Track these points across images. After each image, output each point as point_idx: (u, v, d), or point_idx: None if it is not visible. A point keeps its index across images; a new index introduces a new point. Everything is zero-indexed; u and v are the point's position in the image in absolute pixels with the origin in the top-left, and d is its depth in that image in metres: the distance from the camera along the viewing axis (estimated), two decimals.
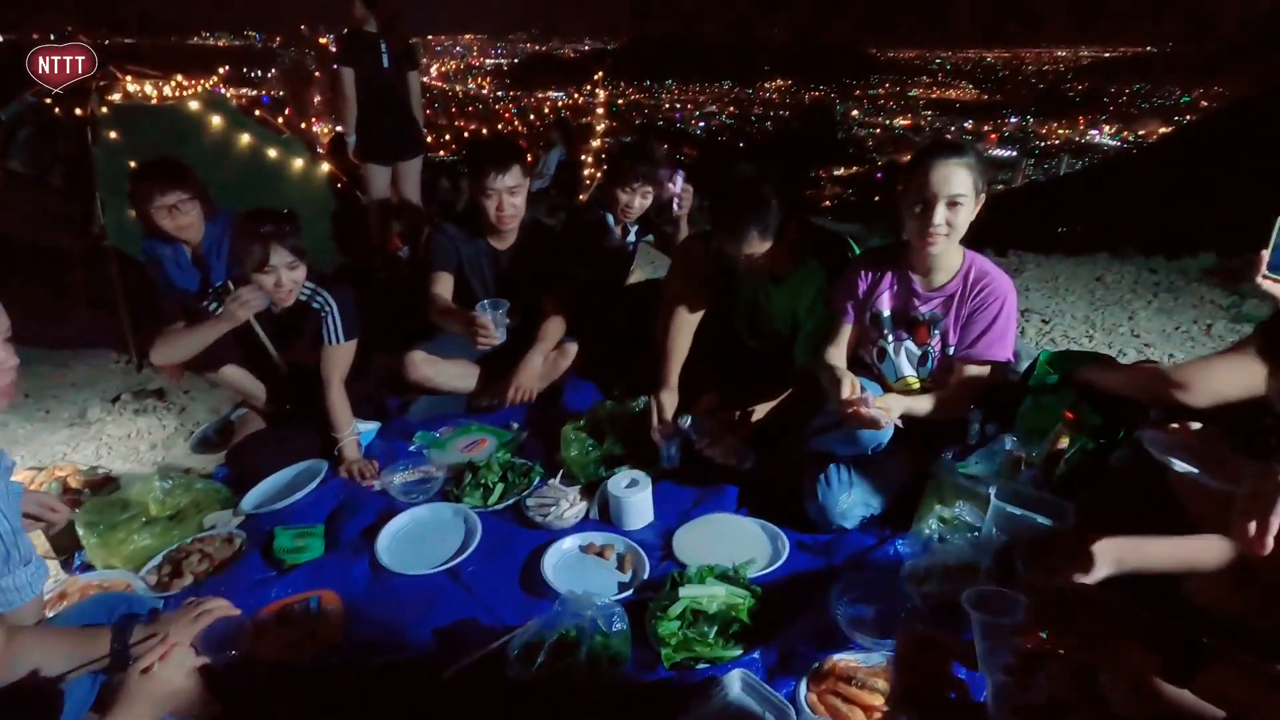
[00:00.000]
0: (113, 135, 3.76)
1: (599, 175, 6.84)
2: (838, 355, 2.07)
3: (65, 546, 2.05)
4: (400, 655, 1.63)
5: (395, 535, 2.00)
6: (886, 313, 2.02)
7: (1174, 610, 1.32)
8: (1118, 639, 0.97)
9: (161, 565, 1.92)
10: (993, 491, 1.75)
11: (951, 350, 1.96)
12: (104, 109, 3.84)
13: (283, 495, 2.19)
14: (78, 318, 3.75)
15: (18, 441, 2.82)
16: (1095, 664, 1.03)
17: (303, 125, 7.63)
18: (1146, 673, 0.95)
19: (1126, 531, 1.61)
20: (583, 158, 6.77)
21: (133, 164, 3.71)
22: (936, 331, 1.97)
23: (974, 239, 1.93)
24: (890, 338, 2.03)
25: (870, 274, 2.04)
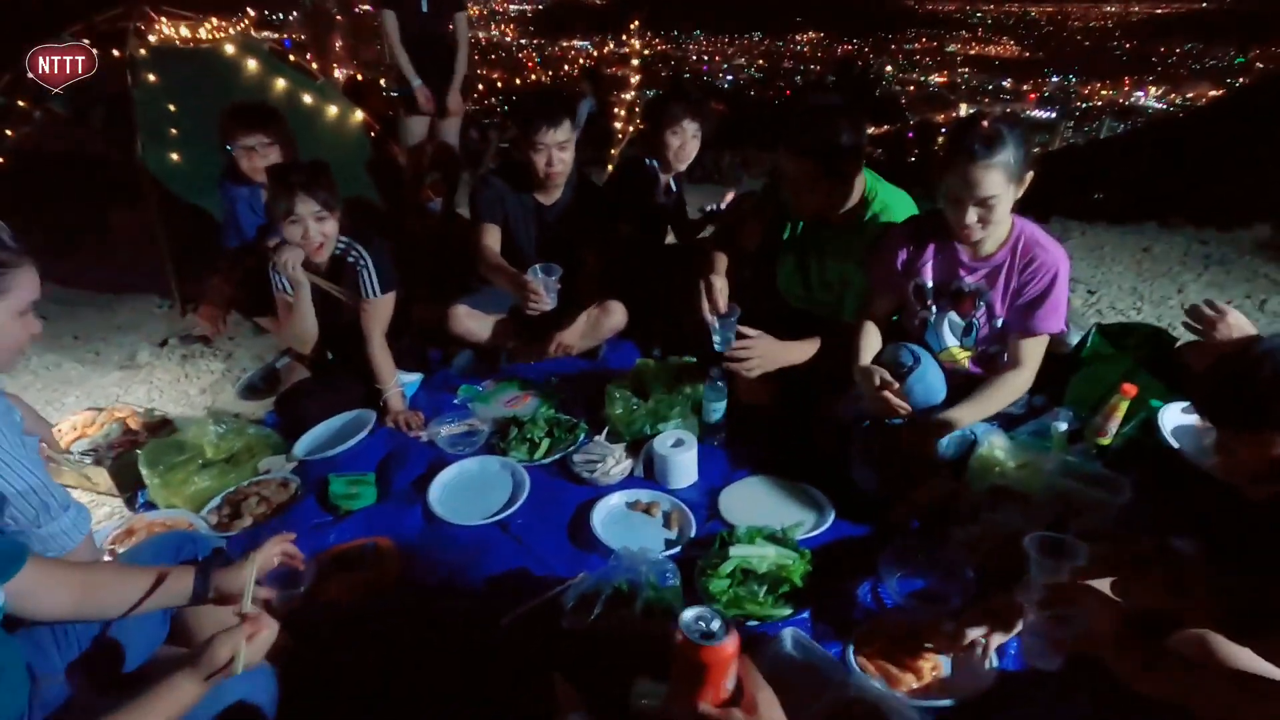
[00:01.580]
0: (151, 77, 3.74)
1: (631, 129, 6.73)
2: (872, 334, 2.03)
3: (126, 485, 2.13)
4: (455, 601, 1.68)
5: (446, 486, 2.04)
6: (929, 284, 1.97)
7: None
8: (1184, 591, 0.97)
9: (221, 506, 1.98)
10: (1045, 463, 1.75)
11: (999, 323, 1.90)
12: (142, 50, 3.81)
13: (332, 443, 2.24)
14: (120, 260, 3.80)
15: (70, 382, 2.89)
16: (1159, 613, 1.04)
17: (325, 72, 7.52)
18: (1209, 626, 0.96)
19: (1178, 507, 1.60)
20: (616, 110, 6.62)
21: (171, 106, 3.74)
22: (982, 303, 1.91)
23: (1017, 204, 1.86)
24: (933, 309, 1.99)
25: (911, 244, 1.98)
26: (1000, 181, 1.68)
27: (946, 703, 1.34)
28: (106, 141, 3.72)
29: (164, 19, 4.33)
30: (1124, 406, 1.90)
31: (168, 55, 3.93)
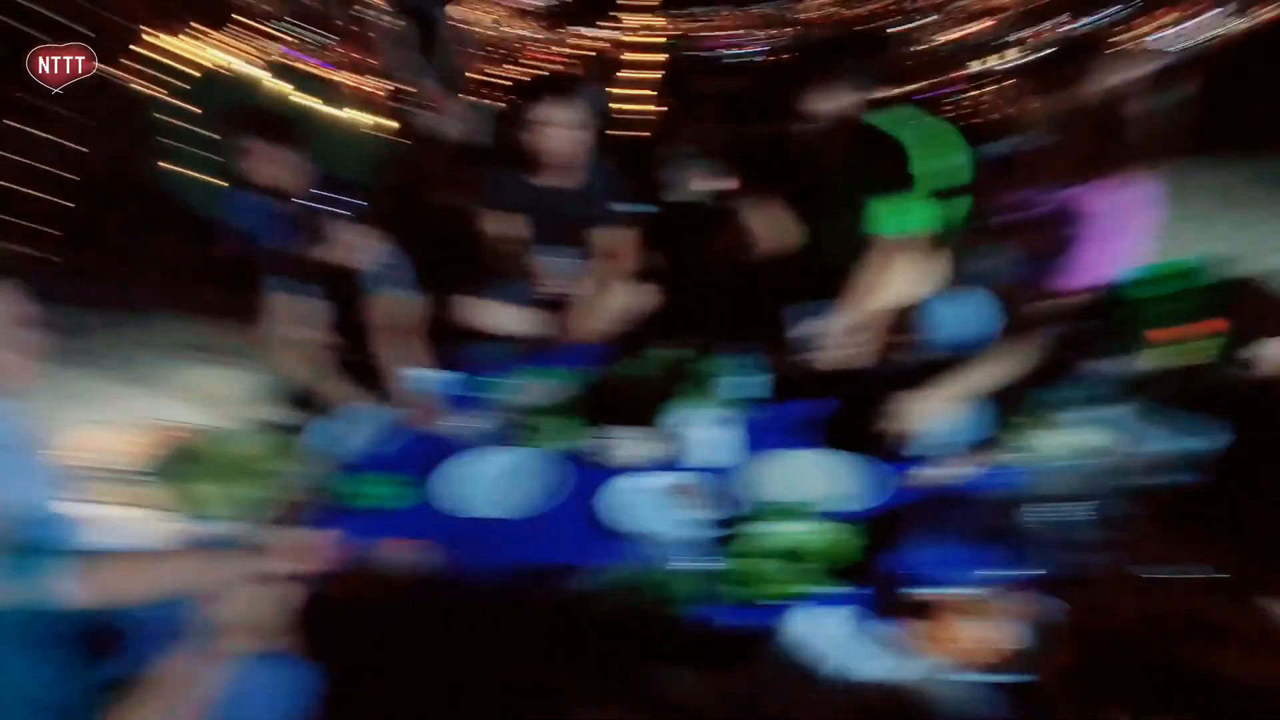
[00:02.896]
0: (173, 96, 3.82)
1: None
2: None
3: (159, 496, 2.16)
4: (486, 592, 1.67)
5: (470, 478, 2.03)
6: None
7: None
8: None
9: (255, 512, 1.99)
10: (1111, 416, 1.64)
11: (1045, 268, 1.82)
12: (176, 79, 3.89)
13: (361, 443, 2.24)
14: (146, 277, 3.88)
15: (109, 399, 2.97)
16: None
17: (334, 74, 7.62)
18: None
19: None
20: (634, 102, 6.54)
21: (188, 123, 3.81)
22: (1028, 246, 1.83)
23: None
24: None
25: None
26: None
27: (994, 676, 1.27)
28: (127, 161, 3.81)
29: (184, 37, 4.42)
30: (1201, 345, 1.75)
31: (185, 73, 4.00)
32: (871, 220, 2.06)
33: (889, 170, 2.10)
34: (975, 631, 1.35)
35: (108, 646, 1.30)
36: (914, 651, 1.35)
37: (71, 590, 1.20)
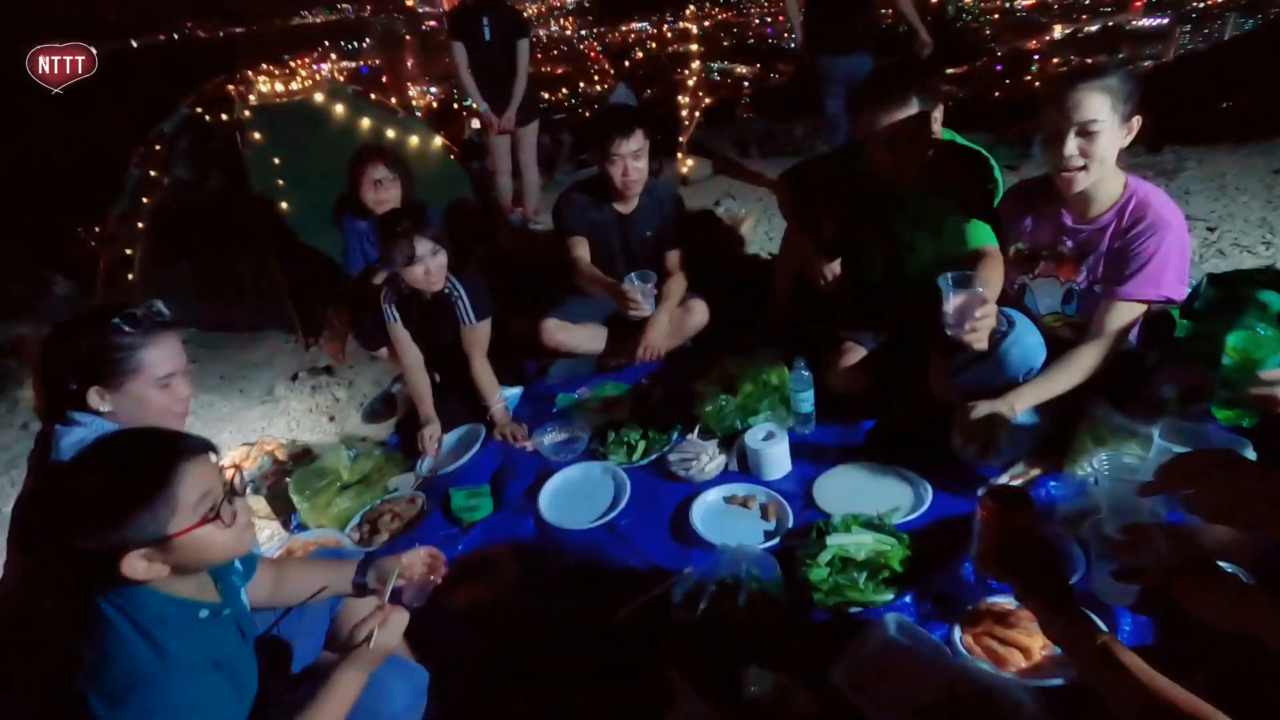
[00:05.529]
0: (256, 136, 4.13)
1: (697, 114, 6.68)
2: None
3: (281, 510, 2.42)
4: (570, 601, 1.82)
5: (554, 493, 2.19)
6: (1028, 247, 1.92)
7: None
8: (1259, 503, 0.96)
9: (361, 524, 2.22)
10: (1156, 431, 1.67)
11: (1098, 289, 1.83)
12: (247, 113, 4.20)
13: (449, 459, 2.45)
14: (250, 303, 4.21)
15: (223, 418, 3.28)
16: (1233, 525, 1.04)
17: (398, 92, 7.91)
18: None
19: None
20: (679, 98, 6.59)
21: (276, 159, 4.12)
22: (1084, 268, 1.84)
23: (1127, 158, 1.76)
24: (1032, 274, 1.93)
25: (1012, 208, 1.93)
26: (1103, 106, 1.61)
27: (1057, 682, 1.33)
28: (225, 199, 4.14)
29: (261, 77, 4.75)
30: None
31: (267, 112, 4.32)
32: (969, 234, 1.98)
33: (979, 185, 2.07)
34: (1034, 636, 1.43)
35: (276, 654, 1.52)
36: (974, 656, 1.43)
37: (253, 592, 1.43)
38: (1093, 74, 1.63)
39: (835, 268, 2.42)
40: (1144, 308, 1.79)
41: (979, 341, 1.70)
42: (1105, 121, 1.62)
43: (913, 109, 1.93)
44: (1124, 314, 1.78)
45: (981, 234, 1.98)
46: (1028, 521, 1.23)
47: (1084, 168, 1.67)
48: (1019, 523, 1.22)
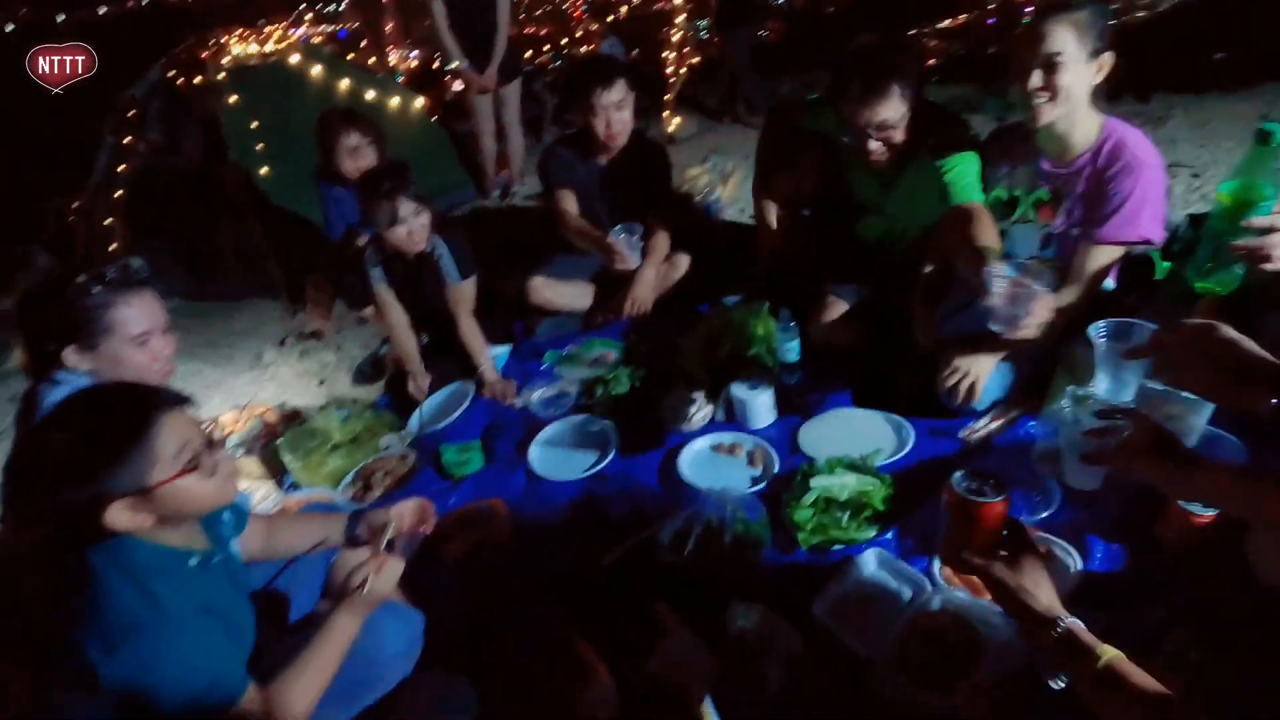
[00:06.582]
0: (232, 98, 4.04)
1: (683, 71, 6.56)
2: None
3: (274, 470, 2.44)
4: (562, 548, 1.86)
5: (544, 446, 2.22)
6: (1007, 194, 1.92)
7: None
8: (1242, 376, 0.98)
9: (354, 482, 2.24)
10: (1136, 368, 1.70)
11: (1075, 231, 1.83)
12: (220, 75, 4.11)
13: (439, 417, 2.47)
14: (233, 270, 4.18)
15: (211, 385, 3.27)
16: (1215, 399, 1.07)
17: (378, 56, 7.71)
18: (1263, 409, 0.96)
19: None
20: (664, 54, 6.47)
21: (254, 122, 4.04)
22: (1062, 211, 1.84)
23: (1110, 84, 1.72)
24: (1011, 218, 1.94)
25: (992, 155, 1.93)
26: (1068, 39, 1.60)
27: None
28: (203, 162, 4.07)
29: (234, 40, 4.63)
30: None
31: (243, 74, 4.22)
32: (954, 191, 1.93)
33: (959, 139, 1.99)
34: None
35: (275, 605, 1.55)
36: (952, 586, 1.47)
37: (245, 545, 1.45)
38: (1060, 7, 1.61)
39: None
40: (1121, 250, 1.80)
41: (1029, 333, 1.64)
42: (1070, 54, 1.61)
43: (894, 99, 1.90)
44: (1101, 257, 1.79)
45: (966, 189, 1.94)
46: (996, 511, 1.07)
47: (1049, 101, 1.65)
48: (988, 518, 1.07)
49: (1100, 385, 1.49)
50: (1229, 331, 1.01)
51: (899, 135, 1.99)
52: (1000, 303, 1.58)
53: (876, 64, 1.91)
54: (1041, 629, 1.00)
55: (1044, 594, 1.03)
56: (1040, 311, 1.58)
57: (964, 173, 1.93)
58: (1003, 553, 1.08)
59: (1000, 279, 1.55)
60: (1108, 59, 1.65)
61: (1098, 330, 1.51)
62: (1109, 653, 0.94)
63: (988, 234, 1.82)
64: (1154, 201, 1.74)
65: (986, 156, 1.98)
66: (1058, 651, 0.98)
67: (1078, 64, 1.62)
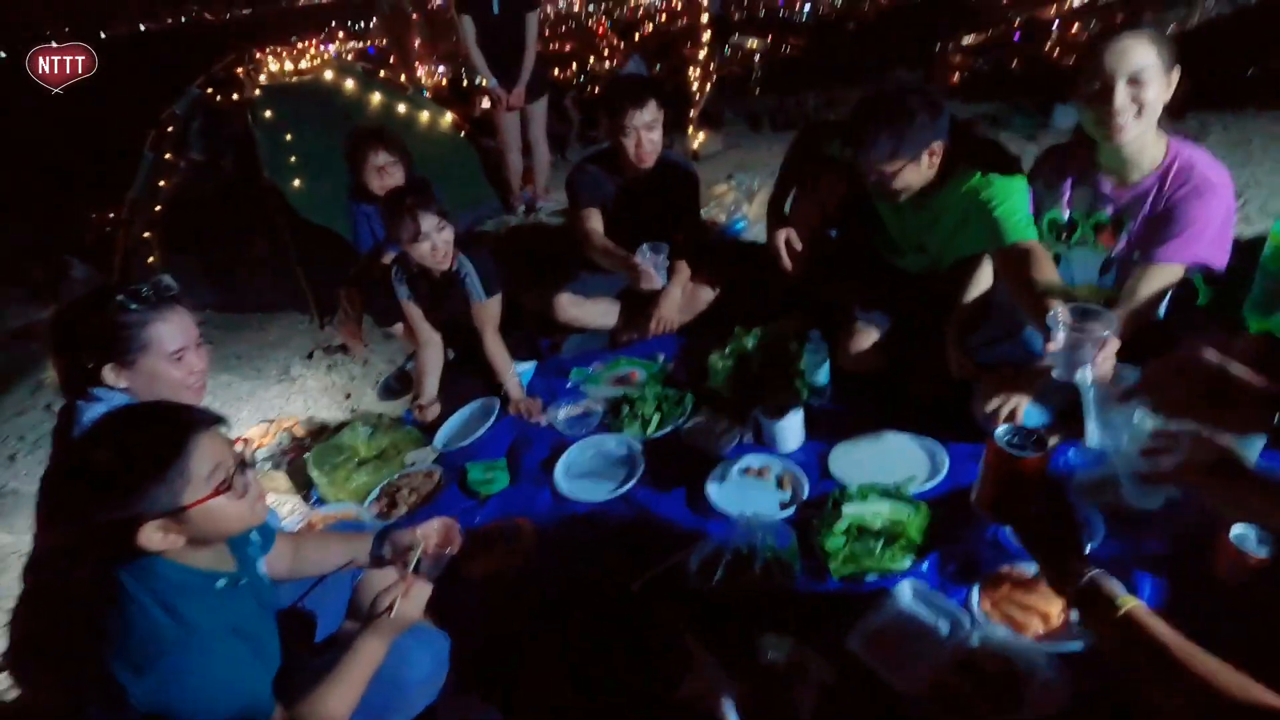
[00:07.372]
0: (267, 115, 4.12)
1: (707, 87, 6.59)
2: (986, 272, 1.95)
3: (300, 485, 2.45)
4: (588, 571, 1.83)
5: (569, 466, 2.20)
6: (1064, 217, 1.85)
7: None
8: (1236, 399, 1.00)
9: (380, 498, 2.24)
10: (1127, 411, 1.63)
11: (1136, 256, 1.74)
12: (256, 92, 4.19)
13: (464, 433, 2.46)
14: (264, 284, 4.24)
15: (241, 398, 3.31)
16: (1207, 423, 1.06)
17: (407, 72, 7.85)
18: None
19: None
20: (690, 71, 6.50)
21: (288, 137, 4.11)
22: (1124, 234, 1.75)
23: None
24: (1069, 244, 1.86)
25: (1048, 176, 1.87)
26: (1151, 53, 1.55)
27: (1075, 646, 1.33)
28: (239, 179, 4.15)
29: (269, 57, 4.73)
30: None
31: (278, 91, 4.31)
32: (1009, 227, 1.84)
33: (999, 168, 1.91)
34: (1052, 601, 1.42)
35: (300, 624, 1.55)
36: (993, 622, 1.43)
37: (272, 565, 1.45)
38: (1132, 30, 1.58)
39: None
40: (1179, 272, 1.71)
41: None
42: (1154, 68, 1.56)
43: (900, 156, 1.84)
44: (1156, 279, 1.70)
45: (1018, 227, 1.83)
46: (1035, 465, 1.20)
47: (1137, 115, 1.59)
48: (1025, 466, 1.20)
49: (1090, 429, 1.40)
50: (1214, 355, 1.04)
51: (917, 178, 1.95)
52: (1064, 349, 1.49)
53: (884, 116, 1.83)
54: (1068, 578, 1.07)
55: (1072, 549, 1.12)
56: (1104, 360, 1.48)
57: (1014, 209, 1.85)
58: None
59: (1064, 325, 1.46)
60: (1176, 73, 1.60)
61: (1055, 320, 1.40)
62: (1130, 602, 0.98)
63: (1047, 274, 1.74)
64: (1221, 225, 1.67)
65: (1039, 175, 1.93)
66: (1081, 600, 1.04)
67: (1160, 78, 1.58)
